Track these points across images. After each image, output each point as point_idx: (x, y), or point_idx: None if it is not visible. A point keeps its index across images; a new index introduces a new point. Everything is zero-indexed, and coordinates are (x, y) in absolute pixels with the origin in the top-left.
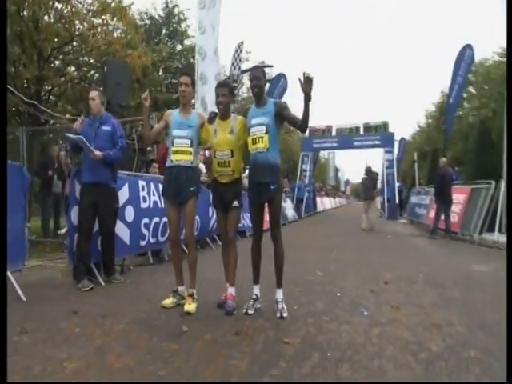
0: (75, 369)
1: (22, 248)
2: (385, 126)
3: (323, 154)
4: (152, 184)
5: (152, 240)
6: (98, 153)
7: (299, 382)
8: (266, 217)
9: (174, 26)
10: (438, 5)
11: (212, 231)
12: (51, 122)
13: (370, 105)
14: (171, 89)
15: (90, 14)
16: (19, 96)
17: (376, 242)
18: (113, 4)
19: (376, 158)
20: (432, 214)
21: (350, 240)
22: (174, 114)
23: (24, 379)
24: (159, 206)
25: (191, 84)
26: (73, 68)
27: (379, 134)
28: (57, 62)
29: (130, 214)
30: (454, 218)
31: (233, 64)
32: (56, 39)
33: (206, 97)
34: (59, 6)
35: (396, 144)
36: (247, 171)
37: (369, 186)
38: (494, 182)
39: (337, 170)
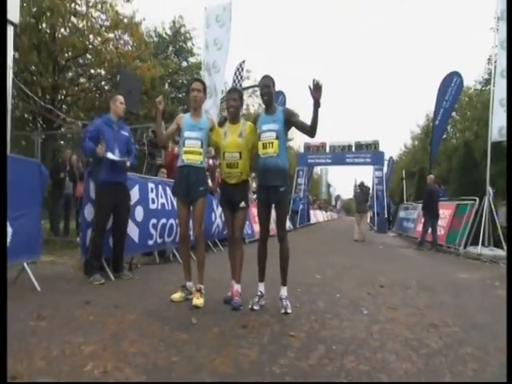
0: (92, 351)
1: (38, 241)
2: (375, 144)
3: (316, 170)
4: (160, 187)
5: (159, 240)
6: (128, 164)
7: (302, 383)
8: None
9: (181, 44)
10: (425, 36)
11: (214, 235)
12: (63, 129)
13: (361, 124)
14: (177, 102)
15: (104, 28)
16: (37, 101)
17: (368, 251)
18: (125, 20)
19: (365, 176)
20: (419, 227)
21: (344, 248)
22: (185, 117)
23: (44, 359)
24: (166, 208)
25: (203, 90)
26: (85, 79)
27: (370, 152)
28: (71, 73)
29: (139, 213)
30: (440, 231)
31: (234, 81)
32: (71, 51)
33: (211, 110)
34: (75, 20)
35: (385, 163)
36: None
37: (361, 199)
38: (477, 199)
39: (329, 186)
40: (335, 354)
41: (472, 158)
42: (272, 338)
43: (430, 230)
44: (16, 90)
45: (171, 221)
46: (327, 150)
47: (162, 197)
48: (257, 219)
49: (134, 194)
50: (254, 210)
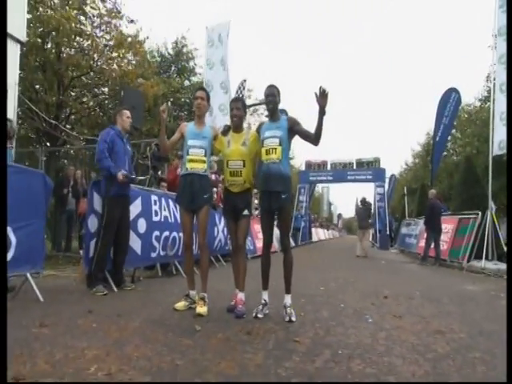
0: (96, 356)
1: (41, 252)
2: (376, 161)
3: (318, 188)
4: (163, 199)
5: (162, 253)
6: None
7: (311, 383)
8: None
9: (183, 63)
10: (425, 55)
11: (216, 250)
12: (67, 146)
13: (362, 142)
14: (178, 120)
15: (108, 48)
16: (42, 117)
17: (371, 266)
18: (129, 39)
19: (367, 193)
20: (422, 243)
21: (347, 264)
22: (188, 126)
23: (48, 363)
24: (169, 220)
25: (206, 98)
26: (89, 97)
27: (371, 169)
28: (75, 92)
29: (142, 225)
30: (443, 246)
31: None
32: (76, 70)
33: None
34: (80, 39)
35: (386, 180)
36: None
37: (363, 215)
38: (480, 213)
39: (330, 204)
40: (341, 358)
41: (473, 173)
42: (277, 343)
43: (432, 245)
44: (21, 109)
45: (174, 234)
46: (328, 167)
47: (165, 209)
48: (259, 235)
49: (137, 206)
50: (256, 227)
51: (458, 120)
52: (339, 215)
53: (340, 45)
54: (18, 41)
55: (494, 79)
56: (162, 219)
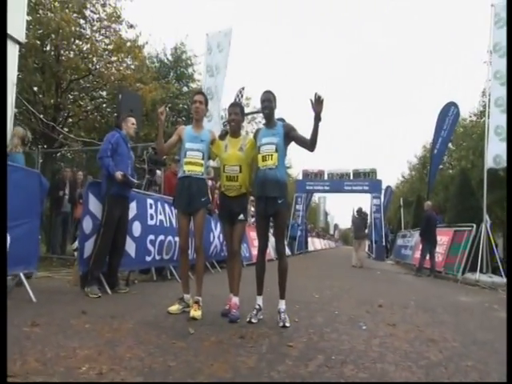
0: (87, 355)
1: (35, 252)
2: (373, 172)
3: (314, 198)
4: (159, 203)
5: (157, 257)
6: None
7: (303, 383)
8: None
9: (182, 69)
10: (423, 68)
11: (212, 256)
12: (65, 148)
13: (358, 152)
14: (176, 125)
15: (107, 52)
16: (39, 117)
17: (366, 276)
18: (128, 43)
19: (363, 204)
20: (417, 254)
21: (342, 273)
22: (186, 129)
23: (38, 361)
24: (165, 224)
25: (204, 102)
26: (87, 100)
27: (368, 180)
28: (72, 93)
29: (137, 229)
30: (438, 257)
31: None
32: (74, 72)
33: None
34: (80, 42)
35: (382, 192)
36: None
37: (360, 225)
38: (474, 226)
39: (326, 214)
40: (334, 363)
41: (469, 186)
42: (270, 347)
43: (427, 257)
44: (18, 110)
45: (169, 238)
46: (325, 177)
47: (160, 213)
48: (255, 243)
49: (132, 209)
50: (252, 234)
51: (453, 134)
52: (336, 225)
53: (338, 55)
54: (16, 42)
55: (490, 94)
56: (158, 223)
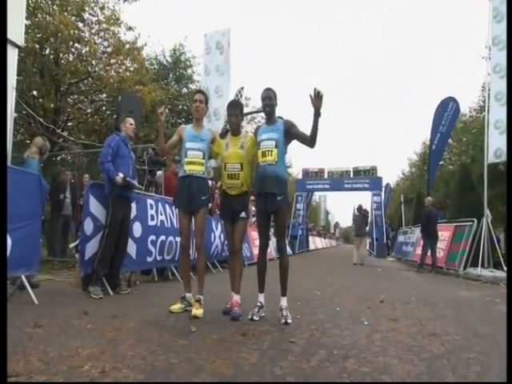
0: (90, 354)
1: (37, 254)
2: (373, 170)
3: (315, 197)
4: (160, 204)
5: (158, 257)
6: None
7: (306, 382)
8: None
9: (181, 71)
10: (422, 65)
11: (213, 256)
12: (65, 151)
13: (358, 150)
14: (176, 127)
15: (106, 54)
16: (38, 120)
17: (368, 273)
18: (127, 45)
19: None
20: (419, 251)
21: (343, 271)
22: (187, 128)
23: (41, 361)
24: (166, 225)
25: (204, 101)
26: (86, 102)
27: (368, 177)
28: (72, 97)
29: (137, 229)
30: (440, 253)
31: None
32: (74, 75)
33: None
34: (79, 45)
35: (383, 189)
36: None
37: (361, 222)
38: (476, 220)
39: (327, 213)
40: (337, 358)
41: (469, 181)
42: (272, 344)
43: (429, 253)
44: (18, 113)
45: (170, 238)
46: (325, 175)
47: (161, 214)
48: (256, 242)
49: (132, 210)
50: (253, 234)
51: (453, 129)
52: (336, 224)
53: (338, 52)
54: (15, 45)
55: (489, 89)
56: (159, 224)
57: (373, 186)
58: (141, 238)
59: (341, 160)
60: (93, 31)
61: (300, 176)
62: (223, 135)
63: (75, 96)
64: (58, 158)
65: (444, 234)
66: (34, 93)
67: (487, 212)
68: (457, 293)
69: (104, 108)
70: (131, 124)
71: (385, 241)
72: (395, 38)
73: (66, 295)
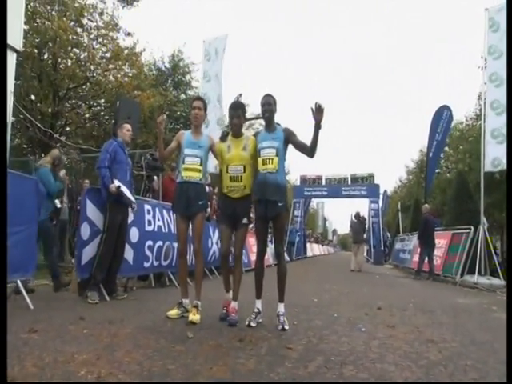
0: (86, 359)
1: (33, 259)
2: (370, 177)
3: (312, 204)
4: (157, 209)
5: (155, 263)
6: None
7: (305, 383)
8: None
9: (179, 77)
10: (419, 73)
11: (210, 262)
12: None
13: (356, 157)
14: (174, 132)
15: (104, 60)
16: (36, 125)
17: (365, 279)
18: (126, 51)
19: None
20: (416, 258)
21: (341, 277)
22: (185, 135)
23: (36, 366)
24: (163, 230)
25: (203, 108)
26: (84, 107)
27: (365, 184)
28: (70, 102)
29: (134, 235)
30: (437, 260)
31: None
32: (72, 80)
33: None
34: (77, 51)
35: (380, 196)
36: None
37: (358, 229)
38: (472, 228)
39: (325, 220)
40: (334, 364)
41: (466, 188)
42: (270, 350)
43: (426, 260)
44: (15, 118)
45: (168, 243)
46: (323, 182)
47: (159, 219)
48: (254, 249)
49: (129, 215)
50: (250, 240)
51: (450, 138)
52: (334, 231)
53: (334, 61)
54: (14, 50)
55: (485, 98)
56: (156, 229)
57: (370, 193)
58: (138, 243)
59: (338, 167)
60: (91, 36)
61: (298, 183)
62: (224, 138)
63: (73, 101)
64: None
65: (441, 241)
66: (32, 97)
67: (484, 220)
68: (454, 300)
69: (102, 113)
70: (128, 130)
71: (382, 248)
72: (392, 47)
73: (63, 300)
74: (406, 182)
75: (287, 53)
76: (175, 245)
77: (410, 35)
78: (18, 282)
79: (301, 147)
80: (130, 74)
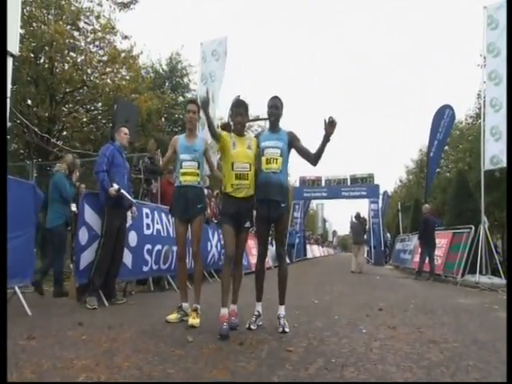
0: (85, 365)
1: (31, 264)
2: (370, 177)
3: (312, 205)
4: (156, 213)
5: (154, 267)
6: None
7: (306, 383)
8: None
9: (177, 79)
10: (419, 72)
11: (209, 265)
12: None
13: (355, 158)
14: (172, 135)
15: (101, 63)
16: (33, 130)
17: (366, 281)
18: (123, 54)
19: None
20: (416, 258)
21: (341, 279)
22: (180, 139)
23: (34, 373)
24: (162, 234)
25: (197, 111)
26: (82, 111)
27: (365, 185)
28: (67, 106)
29: (133, 239)
30: (438, 260)
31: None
32: (69, 84)
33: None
34: (74, 54)
35: (380, 196)
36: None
37: (359, 230)
38: (473, 227)
39: (324, 221)
40: (335, 366)
41: (466, 187)
42: (270, 352)
43: (427, 260)
44: (12, 123)
45: (167, 247)
46: (323, 183)
47: (157, 223)
48: (253, 251)
49: (127, 219)
50: (250, 242)
51: (450, 137)
52: (334, 232)
53: (334, 61)
54: (10, 54)
55: (485, 96)
56: (155, 232)
57: (370, 193)
58: (136, 247)
59: (338, 168)
60: (88, 40)
61: (297, 184)
62: (226, 127)
63: (70, 105)
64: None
65: (441, 241)
66: (29, 102)
67: (484, 219)
68: (455, 300)
69: (100, 117)
70: (126, 134)
71: (383, 248)
72: (392, 47)
73: (61, 306)
74: (406, 182)
75: (287, 53)
76: (174, 248)
77: (409, 34)
78: (16, 288)
79: (304, 154)
80: (128, 77)
